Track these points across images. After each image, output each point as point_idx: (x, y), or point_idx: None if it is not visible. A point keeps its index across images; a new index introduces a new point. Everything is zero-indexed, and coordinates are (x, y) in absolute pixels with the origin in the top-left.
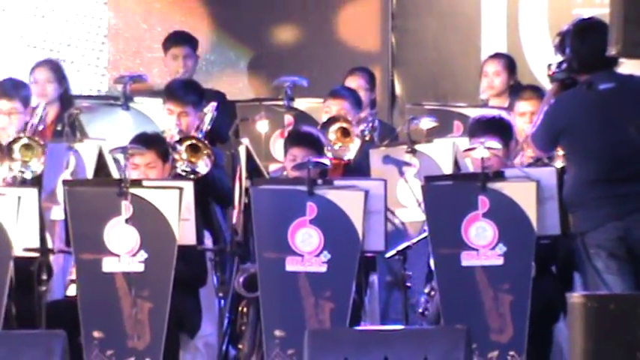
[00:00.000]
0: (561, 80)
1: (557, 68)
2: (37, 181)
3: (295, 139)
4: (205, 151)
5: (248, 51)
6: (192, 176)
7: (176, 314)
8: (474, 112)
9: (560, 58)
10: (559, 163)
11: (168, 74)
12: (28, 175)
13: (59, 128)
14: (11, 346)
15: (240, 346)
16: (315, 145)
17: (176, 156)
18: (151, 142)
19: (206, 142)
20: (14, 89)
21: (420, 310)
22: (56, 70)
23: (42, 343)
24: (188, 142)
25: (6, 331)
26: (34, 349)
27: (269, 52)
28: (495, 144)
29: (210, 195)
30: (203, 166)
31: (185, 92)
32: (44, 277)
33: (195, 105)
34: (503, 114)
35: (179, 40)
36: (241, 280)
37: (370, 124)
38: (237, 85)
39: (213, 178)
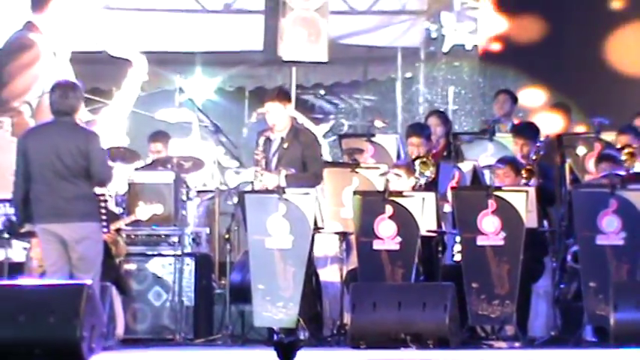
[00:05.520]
0: None
1: None
2: (434, 188)
3: (603, 157)
4: (533, 173)
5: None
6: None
7: (527, 270)
8: None
9: None
10: None
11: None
12: (422, 181)
13: (445, 154)
14: (419, 294)
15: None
16: (615, 160)
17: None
18: (506, 161)
19: (531, 168)
20: (421, 130)
21: None
22: (442, 117)
23: (438, 292)
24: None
25: (416, 283)
26: (433, 295)
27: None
28: None
29: (541, 198)
30: (534, 182)
31: (526, 130)
32: (439, 249)
33: (532, 139)
34: None
35: (501, 90)
36: (569, 257)
37: None
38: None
39: (542, 188)
